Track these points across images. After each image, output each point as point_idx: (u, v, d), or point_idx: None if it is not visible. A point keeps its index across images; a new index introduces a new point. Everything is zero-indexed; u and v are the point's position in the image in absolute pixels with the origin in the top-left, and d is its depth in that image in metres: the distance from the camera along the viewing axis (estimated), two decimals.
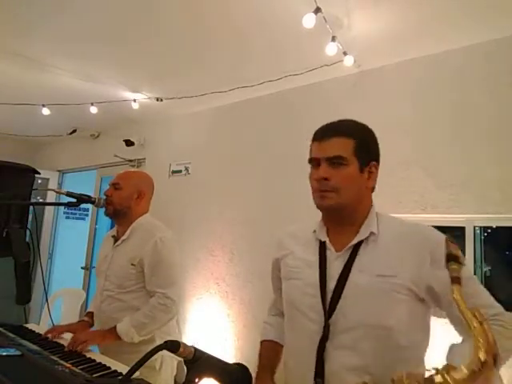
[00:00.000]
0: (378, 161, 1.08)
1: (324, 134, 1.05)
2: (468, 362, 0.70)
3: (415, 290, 0.96)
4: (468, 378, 0.69)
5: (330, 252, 1.04)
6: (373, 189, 1.11)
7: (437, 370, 0.74)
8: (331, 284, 1.00)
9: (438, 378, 0.72)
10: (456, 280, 0.76)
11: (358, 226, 1.04)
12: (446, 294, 0.93)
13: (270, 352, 1.21)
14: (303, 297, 1.04)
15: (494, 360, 0.69)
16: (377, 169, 1.07)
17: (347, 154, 1.01)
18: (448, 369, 0.72)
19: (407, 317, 0.96)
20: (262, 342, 1.25)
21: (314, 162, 1.04)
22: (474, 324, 0.70)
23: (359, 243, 1.02)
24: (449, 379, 0.70)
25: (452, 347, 0.92)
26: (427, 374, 0.75)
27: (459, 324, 0.95)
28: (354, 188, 1.02)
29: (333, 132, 1.04)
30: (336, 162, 1.00)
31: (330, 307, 0.98)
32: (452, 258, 0.79)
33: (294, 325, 1.07)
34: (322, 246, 1.06)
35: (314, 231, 1.10)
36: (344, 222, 1.06)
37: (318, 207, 1.05)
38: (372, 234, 1.02)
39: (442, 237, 0.94)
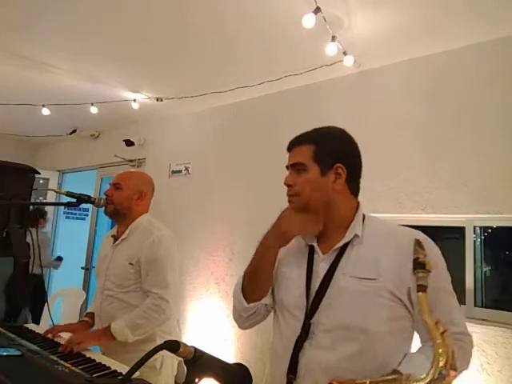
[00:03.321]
0: (346, 163, 1.06)
1: (290, 144, 1.15)
2: (428, 370, 0.71)
3: (397, 294, 0.96)
4: None
5: (317, 255, 1.08)
6: (353, 191, 1.10)
7: (399, 375, 0.76)
8: (316, 285, 1.03)
9: None
10: (421, 288, 0.77)
11: (344, 229, 1.06)
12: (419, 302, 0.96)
13: None
14: (291, 297, 1.08)
15: (452, 369, 0.71)
16: (345, 171, 1.06)
17: (306, 160, 1.07)
18: (408, 377, 0.74)
19: (387, 322, 0.95)
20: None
21: (287, 169, 1.14)
22: (436, 333, 0.71)
23: (345, 246, 1.04)
24: None
25: (408, 355, 0.97)
26: (389, 379, 0.77)
27: (422, 332, 0.99)
28: (316, 192, 1.06)
29: (295, 142, 1.13)
30: (298, 168, 1.08)
31: (311, 307, 1.01)
32: (419, 266, 0.79)
33: (280, 323, 1.10)
34: (311, 250, 1.10)
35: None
36: (323, 225, 1.09)
37: None
38: (356, 236, 1.04)
39: (426, 240, 0.96)
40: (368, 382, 0.79)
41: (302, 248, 1.13)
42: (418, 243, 0.84)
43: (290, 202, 1.10)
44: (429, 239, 1.00)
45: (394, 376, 0.77)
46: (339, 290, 0.99)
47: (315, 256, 1.08)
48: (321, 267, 1.04)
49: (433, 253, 0.97)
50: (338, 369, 0.94)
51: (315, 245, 1.09)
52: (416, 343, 1.03)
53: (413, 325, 1.01)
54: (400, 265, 0.96)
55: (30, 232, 1.66)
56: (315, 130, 1.14)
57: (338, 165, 1.06)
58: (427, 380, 0.71)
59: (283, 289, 1.11)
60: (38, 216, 4.06)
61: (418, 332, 1.02)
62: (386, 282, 0.96)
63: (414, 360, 0.95)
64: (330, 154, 1.07)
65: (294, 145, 1.13)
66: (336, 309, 0.98)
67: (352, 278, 0.99)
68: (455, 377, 0.71)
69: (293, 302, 1.06)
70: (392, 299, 0.96)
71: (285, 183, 1.11)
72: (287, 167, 1.14)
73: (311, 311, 1.01)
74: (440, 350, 0.70)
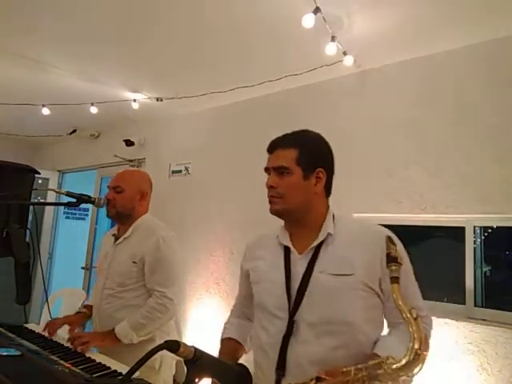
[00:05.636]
0: (326, 167, 1.14)
1: (271, 146, 1.17)
2: (405, 353, 0.80)
3: (371, 285, 1.04)
4: (403, 366, 0.80)
5: (294, 255, 1.12)
6: (327, 193, 1.17)
7: (379, 358, 0.85)
8: (295, 284, 1.08)
9: (381, 370, 0.82)
10: (395, 280, 0.85)
11: (317, 229, 1.12)
12: (388, 289, 1.03)
13: (229, 348, 1.24)
14: (271, 297, 1.12)
15: (425, 350, 0.79)
16: (325, 175, 1.13)
17: (289, 163, 1.11)
18: (388, 360, 0.82)
19: (364, 311, 1.04)
20: (221, 341, 1.27)
21: (267, 171, 1.16)
22: (410, 319, 0.80)
23: (319, 245, 1.10)
24: (388, 369, 0.81)
25: (381, 338, 1.06)
26: (372, 364, 0.84)
27: (391, 317, 1.09)
28: (299, 194, 1.11)
29: (278, 144, 1.16)
30: (282, 171, 1.11)
31: (294, 305, 1.06)
32: (391, 260, 0.87)
33: (263, 325, 1.13)
34: (287, 250, 1.14)
35: (277, 236, 1.18)
36: (299, 225, 1.14)
37: (270, 212, 1.14)
38: (329, 234, 1.10)
39: (394, 237, 1.02)
40: (353, 369, 0.85)
41: (277, 248, 1.17)
42: (389, 239, 0.91)
43: (271, 202, 1.13)
44: (395, 236, 1.06)
45: (375, 361, 0.84)
46: (319, 288, 1.05)
47: (292, 256, 1.12)
48: (299, 266, 1.09)
49: (400, 248, 1.04)
50: (326, 360, 0.99)
51: (290, 245, 1.14)
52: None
53: (382, 315, 1.10)
54: (371, 258, 1.05)
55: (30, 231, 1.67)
56: (296, 134, 1.18)
57: (320, 169, 1.12)
58: (405, 361, 0.79)
59: (263, 291, 1.15)
60: None
61: (386, 317, 1.11)
62: (361, 276, 1.04)
63: (388, 342, 1.04)
64: (313, 158, 1.13)
65: (276, 147, 1.16)
66: (318, 305, 1.04)
67: (329, 275, 1.05)
68: (426, 356, 0.80)
69: (275, 302, 1.10)
70: (366, 290, 1.04)
71: (267, 184, 1.13)
72: (266, 169, 1.16)
73: (294, 309, 1.06)
74: (415, 335, 0.79)
